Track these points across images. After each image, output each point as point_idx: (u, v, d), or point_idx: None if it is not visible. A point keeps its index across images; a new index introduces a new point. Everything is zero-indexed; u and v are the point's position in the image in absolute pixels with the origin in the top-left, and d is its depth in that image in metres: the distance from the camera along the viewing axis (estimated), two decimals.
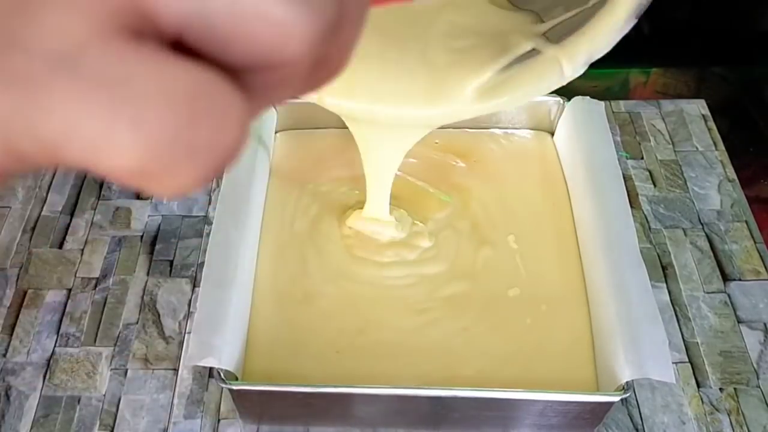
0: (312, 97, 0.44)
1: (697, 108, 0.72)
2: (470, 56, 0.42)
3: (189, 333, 0.56)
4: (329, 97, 0.44)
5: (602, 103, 0.60)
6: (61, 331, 0.56)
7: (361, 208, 0.57)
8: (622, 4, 0.36)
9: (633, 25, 0.37)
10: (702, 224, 0.62)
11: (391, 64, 0.42)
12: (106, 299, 0.58)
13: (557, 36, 0.40)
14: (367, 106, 0.43)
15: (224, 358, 0.44)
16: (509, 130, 0.65)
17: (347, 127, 0.63)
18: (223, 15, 0.14)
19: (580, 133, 0.59)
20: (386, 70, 0.42)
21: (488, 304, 0.53)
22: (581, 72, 0.39)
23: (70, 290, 0.59)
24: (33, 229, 0.63)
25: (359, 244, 0.56)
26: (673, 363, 0.44)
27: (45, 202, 0.65)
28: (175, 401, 0.52)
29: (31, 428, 0.51)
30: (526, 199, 0.59)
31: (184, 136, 0.14)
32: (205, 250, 0.53)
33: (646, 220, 0.63)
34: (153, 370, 0.54)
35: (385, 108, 0.43)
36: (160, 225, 0.63)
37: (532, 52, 0.40)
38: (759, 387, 0.53)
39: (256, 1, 0.14)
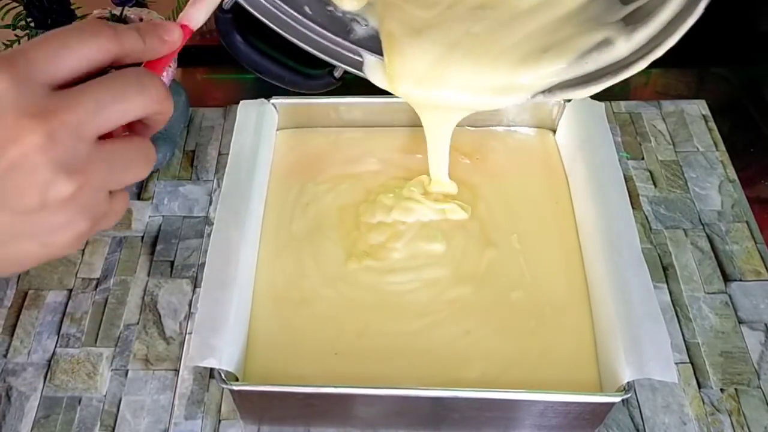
0: (388, 87, 0.47)
1: (697, 108, 0.72)
2: (547, 46, 0.43)
3: (190, 334, 0.56)
4: (408, 88, 0.46)
5: (602, 104, 0.60)
6: (61, 332, 0.56)
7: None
8: None
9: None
10: (703, 225, 0.62)
11: (469, 54, 0.44)
12: (106, 300, 0.58)
13: (635, 20, 0.42)
14: (446, 94, 0.46)
15: (225, 359, 0.45)
16: (512, 128, 0.65)
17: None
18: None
19: (581, 134, 0.59)
20: (462, 62, 0.44)
21: (491, 306, 0.53)
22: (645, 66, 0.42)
23: (70, 291, 0.59)
24: None
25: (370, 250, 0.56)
26: (674, 363, 0.44)
27: None
28: (176, 402, 0.52)
29: (32, 429, 0.51)
30: (529, 197, 0.59)
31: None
32: (205, 251, 0.53)
33: (647, 220, 0.63)
34: (154, 370, 0.54)
35: (460, 95, 0.45)
36: (160, 226, 0.63)
37: (606, 41, 0.42)
38: (760, 387, 0.53)
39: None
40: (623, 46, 0.42)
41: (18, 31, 0.58)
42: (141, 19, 0.64)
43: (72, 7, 0.58)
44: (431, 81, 0.45)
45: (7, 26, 0.58)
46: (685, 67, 0.76)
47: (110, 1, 0.61)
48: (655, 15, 0.41)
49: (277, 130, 0.63)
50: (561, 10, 0.44)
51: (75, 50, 0.28)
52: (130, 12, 0.64)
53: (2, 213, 0.26)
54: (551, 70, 0.43)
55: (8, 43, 0.57)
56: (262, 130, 0.59)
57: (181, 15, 0.34)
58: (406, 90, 0.46)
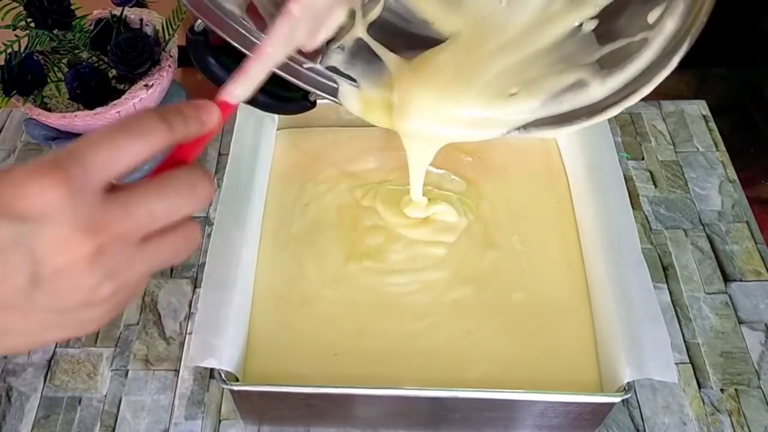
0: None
1: (697, 109, 0.72)
2: (520, 84, 0.44)
3: (190, 334, 0.56)
4: (404, 121, 0.46)
5: None
6: None
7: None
8: (655, 47, 0.40)
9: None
10: (703, 225, 0.62)
11: (451, 90, 0.44)
12: None
13: (610, 63, 0.42)
14: (436, 128, 0.46)
15: (225, 359, 0.44)
16: None
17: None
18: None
19: (581, 135, 0.59)
20: (444, 97, 0.44)
21: (493, 307, 0.53)
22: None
23: None
24: None
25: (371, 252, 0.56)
26: (674, 363, 0.44)
27: None
28: (176, 402, 0.52)
29: (32, 429, 0.51)
30: (530, 197, 0.59)
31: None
32: (205, 251, 0.53)
33: (647, 220, 0.63)
34: (154, 371, 0.54)
35: (440, 129, 0.46)
36: None
37: (580, 83, 0.43)
38: (760, 388, 0.53)
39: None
40: (598, 89, 0.42)
41: (18, 31, 0.58)
42: (141, 20, 0.64)
43: (72, 7, 0.58)
44: (433, 117, 0.45)
45: (7, 26, 0.57)
46: (685, 67, 0.76)
47: (110, 1, 0.61)
48: (630, 62, 0.41)
49: (277, 129, 0.63)
50: (535, 47, 0.44)
51: (129, 152, 0.27)
52: (130, 12, 0.64)
53: (38, 312, 0.27)
54: (524, 107, 0.43)
55: (8, 43, 0.57)
56: (262, 130, 0.59)
57: (221, 90, 0.33)
58: (417, 125, 0.45)
